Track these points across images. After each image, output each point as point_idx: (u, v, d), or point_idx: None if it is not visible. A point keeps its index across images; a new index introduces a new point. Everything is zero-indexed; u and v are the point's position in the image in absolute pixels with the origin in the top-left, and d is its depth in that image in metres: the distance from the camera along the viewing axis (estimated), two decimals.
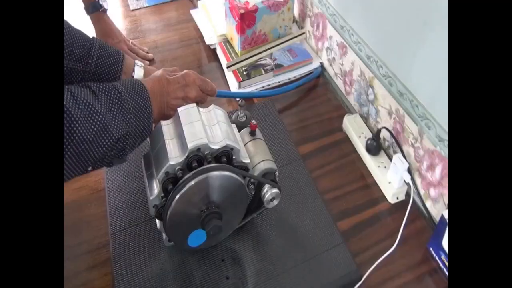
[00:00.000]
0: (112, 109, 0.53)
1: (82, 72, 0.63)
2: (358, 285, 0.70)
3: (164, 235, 0.71)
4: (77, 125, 0.47)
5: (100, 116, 0.50)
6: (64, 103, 0.46)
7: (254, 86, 1.06)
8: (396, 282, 0.71)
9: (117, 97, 0.54)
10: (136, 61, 0.70)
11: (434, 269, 0.72)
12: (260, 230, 0.76)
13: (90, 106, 0.50)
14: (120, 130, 0.53)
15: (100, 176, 0.86)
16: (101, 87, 0.53)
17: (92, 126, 0.49)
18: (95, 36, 1.05)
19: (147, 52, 1.16)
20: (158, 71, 0.69)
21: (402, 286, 0.70)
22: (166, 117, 0.66)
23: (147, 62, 1.13)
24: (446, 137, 0.70)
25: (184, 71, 0.71)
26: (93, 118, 0.50)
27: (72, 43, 0.62)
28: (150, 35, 1.24)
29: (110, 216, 0.77)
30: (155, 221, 0.76)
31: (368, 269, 0.71)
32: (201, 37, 1.22)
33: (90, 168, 0.53)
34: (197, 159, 0.62)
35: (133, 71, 0.68)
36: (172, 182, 0.62)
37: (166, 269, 0.71)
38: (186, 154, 0.60)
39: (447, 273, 0.71)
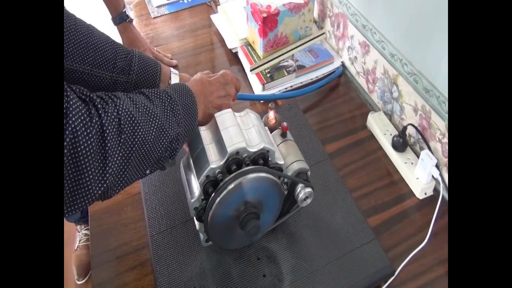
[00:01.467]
0: (165, 111, 0.56)
1: (124, 83, 0.66)
2: (391, 279, 0.72)
3: (202, 236, 0.74)
4: (139, 127, 0.50)
5: (157, 117, 0.54)
6: (125, 107, 0.49)
7: (277, 88, 1.08)
8: (429, 276, 0.72)
9: (168, 100, 0.57)
10: (172, 69, 0.73)
11: None
12: (293, 229, 0.78)
13: (148, 109, 0.53)
14: (174, 130, 0.56)
15: None
16: (152, 92, 0.57)
17: (152, 127, 0.52)
18: None
19: (171, 59, 1.19)
20: (196, 74, 0.72)
21: (434, 280, 0.72)
22: (210, 117, 0.68)
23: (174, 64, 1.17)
24: None
25: (222, 71, 0.74)
26: (151, 119, 0.53)
27: (115, 56, 0.65)
28: (173, 42, 1.27)
29: (148, 219, 0.81)
30: (192, 223, 0.79)
31: (401, 264, 0.73)
32: (222, 41, 1.24)
33: (148, 171, 0.56)
34: (236, 162, 0.64)
35: (170, 78, 0.71)
36: (212, 185, 0.64)
37: (205, 268, 0.74)
38: (226, 158, 0.63)
39: None
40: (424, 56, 0.81)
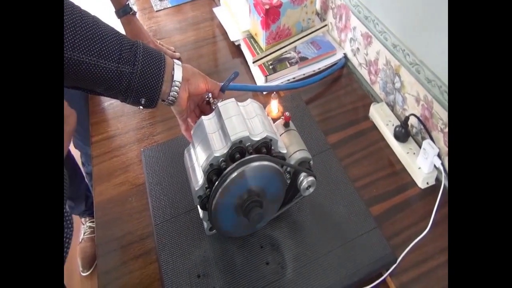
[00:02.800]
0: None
1: (129, 74, 0.66)
2: (393, 267, 0.72)
3: (205, 224, 0.75)
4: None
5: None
6: None
7: (280, 80, 1.08)
8: (430, 264, 0.73)
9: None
10: (175, 60, 0.74)
11: None
12: (295, 218, 0.79)
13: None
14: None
15: (138, 171, 0.90)
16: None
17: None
18: None
19: (174, 51, 1.20)
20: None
21: (436, 268, 0.72)
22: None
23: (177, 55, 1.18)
24: None
25: None
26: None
27: (121, 47, 0.66)
28: (175, 35, 1.27)
29: (152, 208, 0.82)
30: (195, 211, 0.80)
31: (402, 252, 0.73)
32: (224, 34, 1.25)
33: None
34: (239, 151, 0.65)
35: (173, 69, 0.72)
36: (216, 173, 0.65)
37: (209, 256, 0.75)
38: (229, 146, 0.63)
39: None
40: (426, 46, 0.82)
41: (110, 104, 1.07)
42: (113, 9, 1.07)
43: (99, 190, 0.88)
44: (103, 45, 0.65)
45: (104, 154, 0.95)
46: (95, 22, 0.66)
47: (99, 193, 0.87)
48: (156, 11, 1.36)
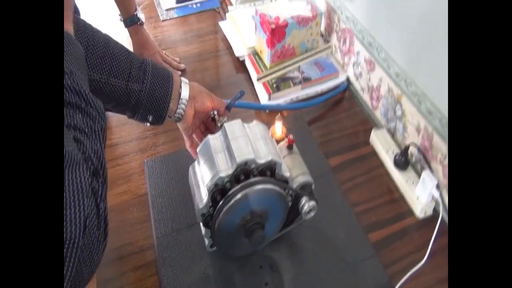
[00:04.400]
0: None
1: (138, 92, 0.67)
2: None
3: (207, 241, 0.75)
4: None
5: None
6: None
7: (283, 98, 1.10)
8: None
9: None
10: (182, 78, 0.75)
11: None
12: (295, 240, 0.80)
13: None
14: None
15: (140, 182, 0.91)
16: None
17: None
18: (132, 47, 1.11)
19: (179, 63, 1.20)
20: None
21: None
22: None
23: (179, 72, 1.18)
24: None
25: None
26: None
27: (130, 66, 0.67)
28: (181, 46, 1.28)
29: (154, 220, 0.82)
30: (197, 227, 0.81)
31: (399, 281, 0.75)
32: (229, 48, 1.26)
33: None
34: (244, 172, 0.66)
35: (181, 87, 0.73)
36: (220, 193, 0.66)
37: (209, 273, 0.75)
38: (235, 168, 0.64)
39: None
40: (429, 78, 0.84)
41: None
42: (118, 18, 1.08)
43: None
44: (113, 64, 0.66)
45: (107, 162, 0.95)
46: (106, 41, 0.67)
47: None
48: (162, 20, 1.37)
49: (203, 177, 0.68)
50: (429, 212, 0.85)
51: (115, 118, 1.05)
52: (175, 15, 1.38)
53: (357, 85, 1.12)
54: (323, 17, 1.20)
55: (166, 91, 0.70)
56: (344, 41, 1.15)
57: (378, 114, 1.05)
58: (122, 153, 0.97)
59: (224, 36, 1.29)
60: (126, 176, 0.92)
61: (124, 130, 1.02)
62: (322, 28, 1.25)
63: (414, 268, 0.76)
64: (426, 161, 0.88)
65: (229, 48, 1.26)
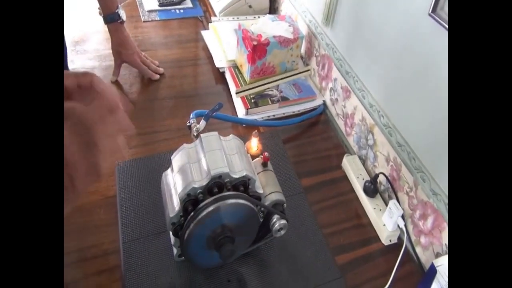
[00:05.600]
0: None
1: None
2: None
3: (175, 250, 0.74)
4: None
5: None
6: None
7: (260, 115, 1.11)
8: None
9: None
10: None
11: None
12: (264, 257, 0.80)
13: None
14: None
15: (110, 183, 0.88)
16: None
17: None
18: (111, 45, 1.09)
19: (158, 66, 1.19)
20: None
21: None
22: None
23: (158, 76, 1.17)
24: (439, 191, 0.78)
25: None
26: None
27: None
28: (160, 49, 1.27)
29: (121, 224, 0.80)
30: (166, 235, 0.79)
31: None
32: (209, 58, 1.26)
33: None
34: (218, 185, 0.66)
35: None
36: (192, 204, 0.65)
37: (175, 283, 0.74)
38: (208, 180, 0.64)
39: None
40: (400, 113, 0.88)
41: None
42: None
43: None
44: None
45: None
46: None
47: None
48: (144, 21, 1.35)
49: (176, 186, 0.67)
50: (394, 239, 0.88)
51: None
52: (157, 18, 1.37)
53: (332, 110, 1.15)
54: (303, 41, 1.23)
55: None
56: (323, 67, 1.18)
57: (351, 141, 1.08)
58: None
59: (205, 45, 1.30)
60: None
61: None
62: (303, 51, 1.29)
63: None
64: (393, 190, 0.91)
65: (209, 57, 1.26)
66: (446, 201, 0.76)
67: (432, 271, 0.75)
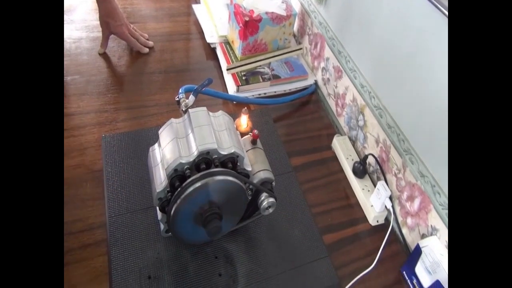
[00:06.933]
0: None
1: None
2: None
3: (162, 226, 0.74)
4: None
5: None
6: None
7: (251, 92, 1.09)
8: None
9: None
10: None
11: None
12: (252, 234, 0.80)
13: None
14: None
15: (96, 156, 0.86)
16: None
17: None
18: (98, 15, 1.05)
19: (147, 39, 1.16)
20: None
21: None
22: None
23: (147, 50, 1.14)
24: (427, 173, 0.78)
25: None
26: None
27: None
28: (150, 22, 1.24)
29: (108, 199, 0.78)
30: (153, 210, 0.78)
31: (348, 284, 0.77)
32: (201, 33, 1.24)
33: None
34: (206, 162, 0.65)
35: None
36: (179, 179, 0.65)
37: (162, 258, 0.73)
38: (196, 155, 0.63)
39: None
40: (391, 95, 0.87)
41: (73, 79, 1.01)
42: None
43: None
44: None
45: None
46: None
47: None
48: None
49: (163, 161, 0.66)
50: (381, 220, 0.89)
51: (73, 87, 0.99)
52: None
53: (324, 90, 1.14)
54: (296, 18, 1.21)
55: None
56: (316, 45, 1.17)
57: (342, 121, 1.07)
58: (78, 124, 0.92)
59: (197, 20, 1.27)
60: (81, 149, 0.87)
61: (82, 100, 0.97)
62: (295, 29, 1.27)
63: (362, 273, 0.79)
64: (382, 172, 0.92)
65: (200, 33, 1.23)
66: (433, 183, 0.77)
67: (417, 251, 0.76)
